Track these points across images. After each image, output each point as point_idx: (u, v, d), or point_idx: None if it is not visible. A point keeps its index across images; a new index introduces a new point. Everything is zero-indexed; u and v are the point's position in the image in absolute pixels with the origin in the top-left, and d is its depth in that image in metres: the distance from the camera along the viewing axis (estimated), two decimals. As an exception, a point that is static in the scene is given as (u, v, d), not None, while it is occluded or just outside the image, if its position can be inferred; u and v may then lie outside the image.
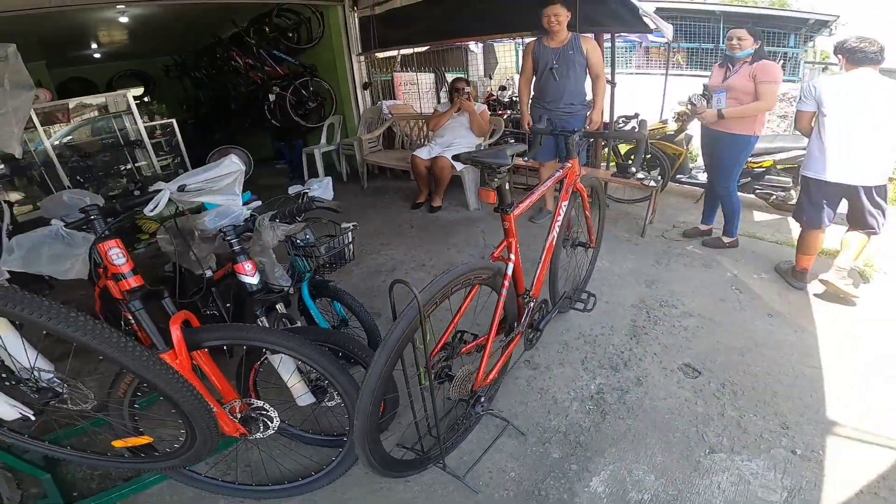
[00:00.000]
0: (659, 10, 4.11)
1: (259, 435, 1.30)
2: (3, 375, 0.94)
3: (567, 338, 2.09)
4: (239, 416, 1.30)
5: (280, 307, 1.53)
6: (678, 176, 3.98)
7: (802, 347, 1.96)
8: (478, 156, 1.26)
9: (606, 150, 4.08)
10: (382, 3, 4.10)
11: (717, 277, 2.58)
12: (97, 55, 5.84)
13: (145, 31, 5.04)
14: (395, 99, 5.21)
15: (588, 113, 3.05)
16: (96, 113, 4.21)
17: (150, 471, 1.29)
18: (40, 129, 3.60)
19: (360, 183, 4.68)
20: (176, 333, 1.12)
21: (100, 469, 1.36)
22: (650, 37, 4.40)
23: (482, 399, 1.33)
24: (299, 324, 1.55)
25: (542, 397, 1.75)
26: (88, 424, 1.09)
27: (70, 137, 4.00)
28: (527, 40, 3.57)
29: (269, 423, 1.33)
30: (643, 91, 5.23)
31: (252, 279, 1.40)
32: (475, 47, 5.41)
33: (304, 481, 1.36)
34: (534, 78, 3.11)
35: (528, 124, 3.14)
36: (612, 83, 3.47)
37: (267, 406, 1.32)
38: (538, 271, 1.71)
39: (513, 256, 1.41)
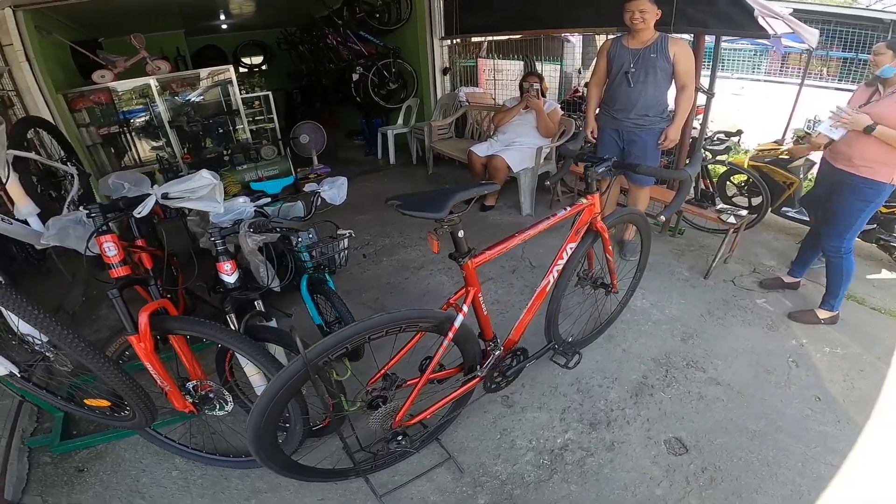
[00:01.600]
0: (802, 13, 3.43)
1: (212, 412, 1.50)
2: (9, 335, 1.23)
3: (560, 381, 1.99)
4: (201, 394, 1.51)
5: (259, 304, 1.70)
6: (784, 209, 3.38)
7: (834, 441, 1.66)
8: (404, 206, 1.21)
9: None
10: (465, -15, 4.04)
11: (777, 343, 2.21)
12: (224, 26, 6.69)
13: (261, 4, 5.63)
14: (477, 86, 5.15)
15: (665, 127, 2.70)
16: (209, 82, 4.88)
17: (113, 427, 1.59)
18: (157, 96, 4.29)
19: (426, 168, 4.80)
20: (143, 320, 1.32)
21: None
22: (786, 41, 3.69)
23: (399, 438, 1.36)
24: (274, 321, 1.71)
25: (500, 438, 1.72)
26: (71, 383, 1.37)
27: (183, 104, 4.69)
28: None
29: (223, 404, 1.52)
30: (773, 102, 4.41)
31: (229, 278, 1.58)
32: (573, 37, 5.05)
33: (246, 458, 1.55)
34: (606, 81, 2.78)
35: (593, 133, 2.89)
36: (710, 94, 3.02)
37: (223, 390, 1.51)
38: (521, 318, 1.64)
39: (466, 308, 1.36)
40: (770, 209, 3.31)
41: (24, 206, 1.70)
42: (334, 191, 2.07)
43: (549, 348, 1.75)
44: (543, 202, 3.84)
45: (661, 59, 2.48)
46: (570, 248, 1.67)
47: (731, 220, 2.75)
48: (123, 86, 4.30)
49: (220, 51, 7.14)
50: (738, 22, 2.71)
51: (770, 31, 2.71)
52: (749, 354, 2.14)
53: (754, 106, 5.09)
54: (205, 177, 1.39)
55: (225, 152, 4.62)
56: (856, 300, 2.53)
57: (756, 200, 3.55)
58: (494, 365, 1.56)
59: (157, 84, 4.33)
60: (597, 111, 2.85)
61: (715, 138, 3.58)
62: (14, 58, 3.34)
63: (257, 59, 7.70)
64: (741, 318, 2.41)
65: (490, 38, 4.71)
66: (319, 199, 2.07)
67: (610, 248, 1.86)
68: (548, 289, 1.65)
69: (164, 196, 1.38)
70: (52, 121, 3.62)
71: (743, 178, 3.63)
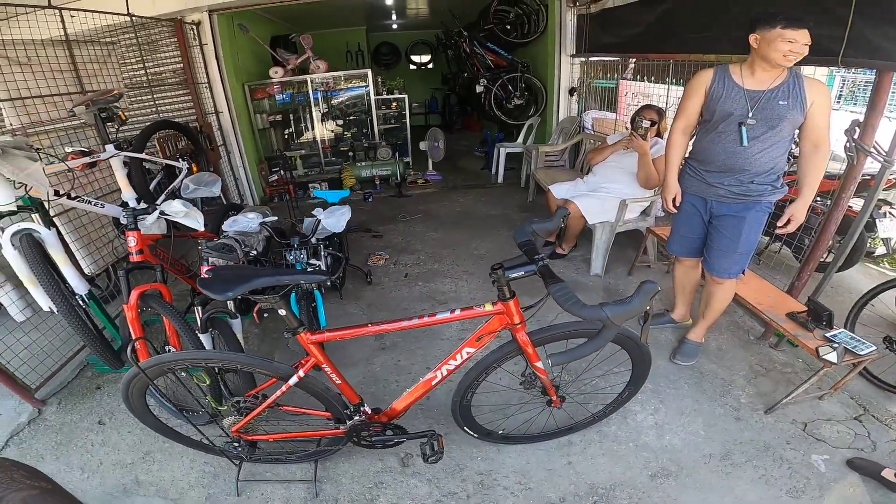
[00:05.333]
0: None
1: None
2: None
3: (471, 464, 2.03)
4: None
5: (230, 304, 2.27)
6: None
7: None
8: (203, 282, 1.44)
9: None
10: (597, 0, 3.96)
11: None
12: (394, 26, 7.81)
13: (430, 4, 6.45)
14: (615, 111, 4.93)
15: (775, 200, 2.15)
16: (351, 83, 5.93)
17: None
18: (311, 91, 5.44)
19: (528, 195, 4.89)
20: (133, 295, 2.01)
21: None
22: None
23: (235, 444, 1.75)
24: (239, 320, 2.26)
25: (371, 488, 1.92)
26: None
27: (334, 100, 5.81)
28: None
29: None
30: None
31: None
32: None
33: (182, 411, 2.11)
34: (697, 128, 2.28)
35: (675, 201, 2.38)
36: (889, 161, 2.16)
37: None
38: (402, 396, 1.80)
39: (301, 372, 1.58)
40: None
41: (126, 192, 2.61)
42: (333, 219, 2.54)
43: (425, 434, 1.82)
44: (624, 261, 3.59)
45: (795, 108, 1.92)
46: (466, 353, 1.66)
47: (832, 357, 2.19)
48: (288, 81, 5.59)
49: (395, 48, 8.37)
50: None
51: None
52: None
53: None
54: (175, 206, 1.96)
55: (351, 149, 5.60)
56: None
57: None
58: (357, 427, 1.77)
59: (312, 81, 5.50)
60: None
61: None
62: (209, 56, 4.72)
63: (425, 58, 8.74)
64: (765, 471, 1.98)
65: (638, 57, 4.45)
66: (319, 225, 2.56)
67: (538, 364, 1.73)
68: (433, 383, 1.73)
69: (162, 213, 2.02)
70: (228, 108, 5.02)
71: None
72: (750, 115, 1.98)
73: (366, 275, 3.50)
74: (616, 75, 4.68)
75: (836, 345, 2.18)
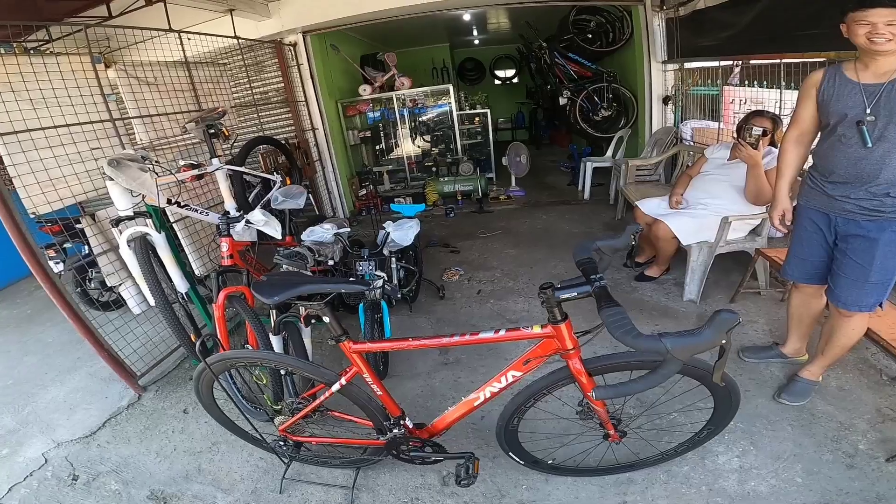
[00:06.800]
0: None
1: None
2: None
3: (514, 492, 1.93)
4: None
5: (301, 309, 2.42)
6: None
7: None
8: (255, 285, 1.54)
9: None
10: (686, 2, 3.72)
11: None
12: (476, 41, 7.97)
13: (512, 18, 6.50)
14: (719, 120, 4.57)
15: None
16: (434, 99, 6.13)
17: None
18: (396, 106, 5.71)
19: (616, 212, 4.67)
20: (221, 296, 2.23)
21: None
22: None
23: (280, 442, 1.85)
24: (309, 328, 2.39)
25: (406, 503, 1.92)
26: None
27: (421, 117, 6.05)
28: None
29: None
30: None
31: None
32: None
33: (250, 405, 2.25)
34: (818, 135, 2.05)
35: (786, 217, 2.19)
36: None
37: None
38: (443, 415, 1.78)
39: (343, 380, 1.62)
40: None
41: (228, 202, 2.90)
42: (401, 232, 2.63)
43: (463, 456, 1.77)
44: (727, 287, 3.26)
45: None
46: (512, 376, 1.59)
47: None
48: (377, 98, 5.93)
49: (479, 63, 8.54)
50: None
51: None
52: None
53: None
54: (256, 215, 2.15)
55: (434, 164, 5.77)
56: None
57: None
58: (395, 441, 1.78)
59: (399, 99, 5.78)
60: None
61: None
62: (305, 75, 5.15)
63: (510, 73, 8.80)
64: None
65: (741, 60, 4.10)
66: (389, 237, 2.67)
67: (590, 394, 1.58)
68: (475, 404, 1.68)
69: (247, 222, 2.23)
70: (322, 125, 5.42)
71: None
72: (868, 111, 1.73)
73: (438, 289, 3.55)
74: (719, 81, 4.34)
75: None
